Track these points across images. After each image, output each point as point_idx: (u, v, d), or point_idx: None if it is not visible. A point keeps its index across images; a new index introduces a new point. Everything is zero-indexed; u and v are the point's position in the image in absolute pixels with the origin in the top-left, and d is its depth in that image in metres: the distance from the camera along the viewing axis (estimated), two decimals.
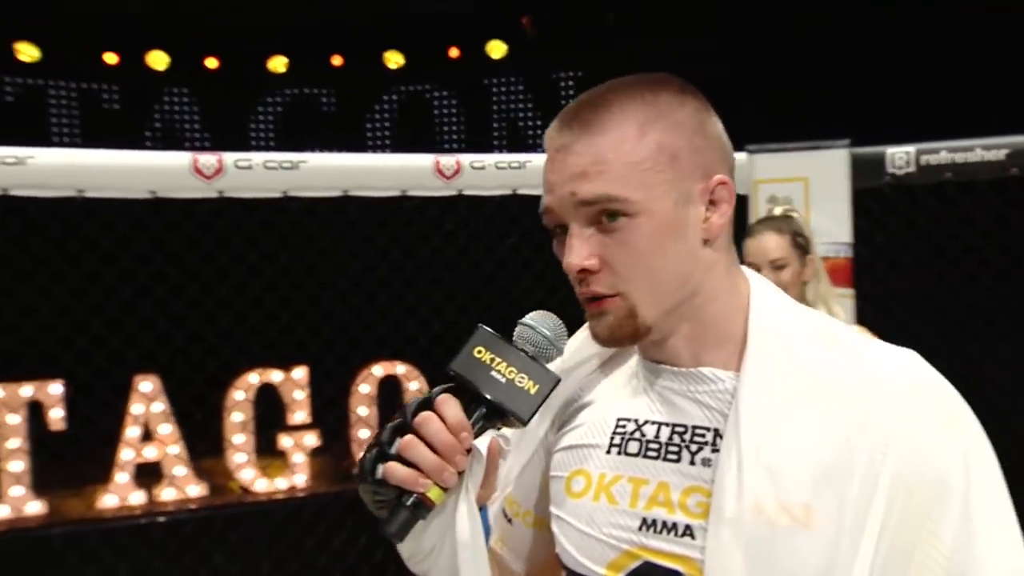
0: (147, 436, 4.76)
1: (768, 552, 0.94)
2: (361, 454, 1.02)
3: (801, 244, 2.56)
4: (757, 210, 2.96)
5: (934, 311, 3.19)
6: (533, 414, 1.02)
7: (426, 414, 0.99)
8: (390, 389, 5.01)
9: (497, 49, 8.17)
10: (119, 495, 4.72)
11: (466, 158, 2.80)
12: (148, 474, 4.80)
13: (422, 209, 3.61)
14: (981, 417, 1.01)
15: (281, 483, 4.88)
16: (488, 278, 4.94)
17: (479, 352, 1.02)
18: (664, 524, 1.00)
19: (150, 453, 4.76)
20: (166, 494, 4.76)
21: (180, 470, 4.75)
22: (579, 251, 1.00)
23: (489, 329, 1.04)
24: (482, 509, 1.08)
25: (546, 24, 8.04)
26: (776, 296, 1.08)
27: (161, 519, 4.63)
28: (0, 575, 4.16)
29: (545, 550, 1.18)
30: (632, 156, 0.98)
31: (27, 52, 7.80)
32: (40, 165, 2.59)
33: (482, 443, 1.03)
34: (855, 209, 2.48)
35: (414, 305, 4.91)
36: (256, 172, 2.65)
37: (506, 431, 1.07)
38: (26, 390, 4.69)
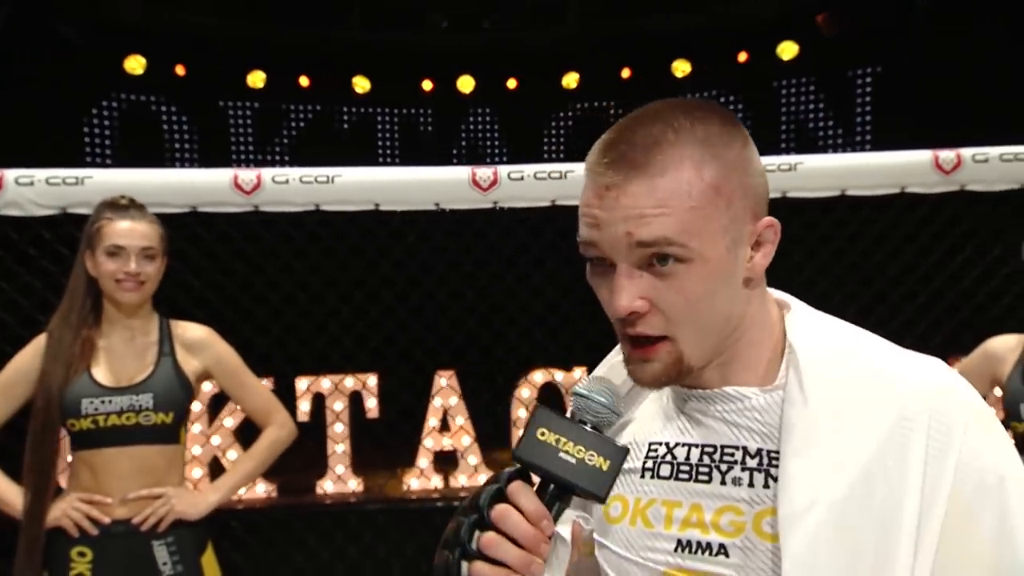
0: (445, 427, 5.07)
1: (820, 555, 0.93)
2: (441, 551, 0.97)
3: None
4: None
5: None
6: (609, 490, 0.96)
7: (503, 507, 0.94)
8: None
9: (788, 50, 7.82)
10: (421, 478, 5.07)
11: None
12: (446, 461, 5.12)
13: None
14: None
15: None
16: None
17: (543, 434, 0.96)
18: (699, 544, 1.00)
19: (447, 442, 5.07)
20: (460, 480, 5.05)
21: (472, 459, 5.02)
22: (629, 293, 0.96)
23: (547, 408, 0.99)
24: None
25: (843, 19, 7.57)
26: (811, 319, 1.06)
27: (456, 503, 4.90)
28: (325, 538, 4.58)
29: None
30: (693, 201, 0.93)
31: (361, 85, 8.56)
32: (345, 183, 2.85)
33: (562, 527, 0.99)
34: None
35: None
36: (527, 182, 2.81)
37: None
38: (348, 381, 5.15)
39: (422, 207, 3.03)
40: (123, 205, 2.43)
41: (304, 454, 2.61)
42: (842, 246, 4.04)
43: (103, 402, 2.35)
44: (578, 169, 3.00)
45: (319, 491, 5.00)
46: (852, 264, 4.09)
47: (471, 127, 8.76)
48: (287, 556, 4.50)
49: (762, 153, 1.05)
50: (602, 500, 0.97)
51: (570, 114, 8.57)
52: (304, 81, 8.50)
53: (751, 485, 0.99)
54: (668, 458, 1.05)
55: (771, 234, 1.00)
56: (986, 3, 6.26)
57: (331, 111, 8.84)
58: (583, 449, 0.96)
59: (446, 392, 5.05)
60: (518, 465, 0.98)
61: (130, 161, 2.97)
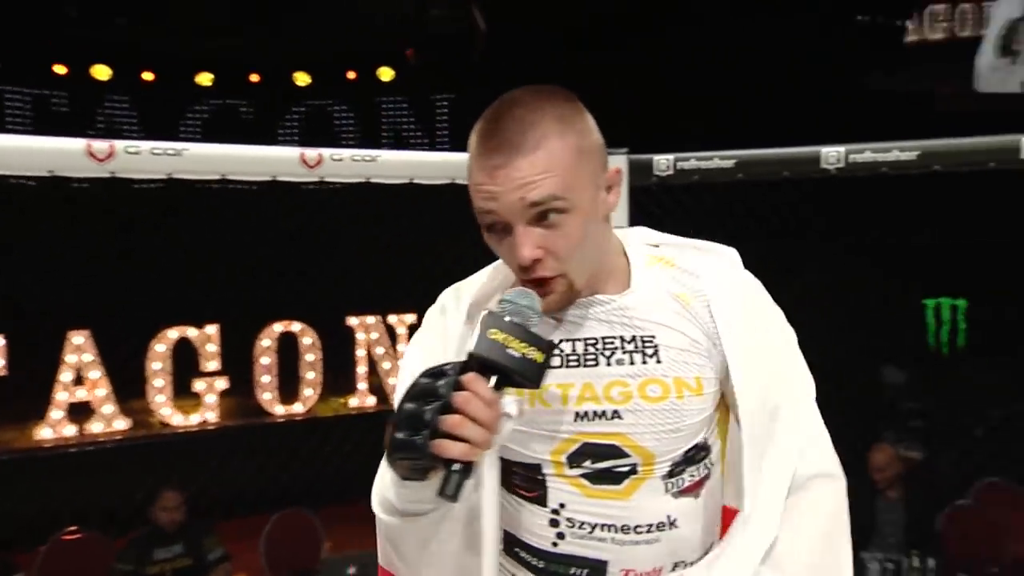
0: (79, 380, 4.46)
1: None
2: (397, 434, 0.91)
3: None
4: None
5: None
6: (543, 378, 0.96)
7: (466, 394, 0.91)
8: (287, 343, 4.88)
9: (386, 74, 7.98)
10: (54, 428, 4.41)
11: (327, 151, 2.72)
12: (82, 411, 4.51)
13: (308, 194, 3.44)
14: None
15: (195, 418, 4.67)
16: (374, 253, 4.83)
17: (493, 334, 0.94)
18: (595, 413, 1.04)
19: (82, 394, 4.46)
20: (96, 427, 4.48)
21: (108, 408, 4.48)
22: (528, 246, 0.98)
23: (493, 312, 0.97)
24: None
25: (428, 55, 7.90)
26: (639, 245, 1.14)
27: (90, 448, 4.36)
28: None
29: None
30: (563, 162, 0.97)
31: None
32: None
33: (508, 407, 0.97)
34: (631, 201, 2.52)
35: (307, 272, 4.75)
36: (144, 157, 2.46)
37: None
38: None
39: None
40: None
41: None
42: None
43: None
44: (192, 147, 2.72)
45: None
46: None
47: (107, 111, 7.70)
48: None
49: None
50: (537, 386, 0.96)
51: (205, 108, 7.92)
52: None
53: (632, 363, 1.04)
54: (555, 352, 1.04)
55: (617, 177, 1.06)
56: (533, 50, 6.86)
57: None
58: (525, 346, 0.94)
59: (80, 349, 4.43)
60: (462, 360, 0.94)
61: None
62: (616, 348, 1.04)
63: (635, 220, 2.78)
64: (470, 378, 0.92)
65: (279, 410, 4.88)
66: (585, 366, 1.05)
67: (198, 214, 4.62)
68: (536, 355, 0.94)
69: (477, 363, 0.94)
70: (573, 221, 0.98)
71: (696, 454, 1.07)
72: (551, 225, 0.97)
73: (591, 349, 1.05)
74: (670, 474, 1.05)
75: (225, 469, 4.06)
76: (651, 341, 1.04)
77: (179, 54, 7.47)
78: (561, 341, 1.06)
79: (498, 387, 0.94)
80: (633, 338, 1.04)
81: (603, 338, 1.05)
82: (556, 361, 1.05)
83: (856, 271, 4.72)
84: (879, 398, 5.55)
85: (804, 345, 1.15)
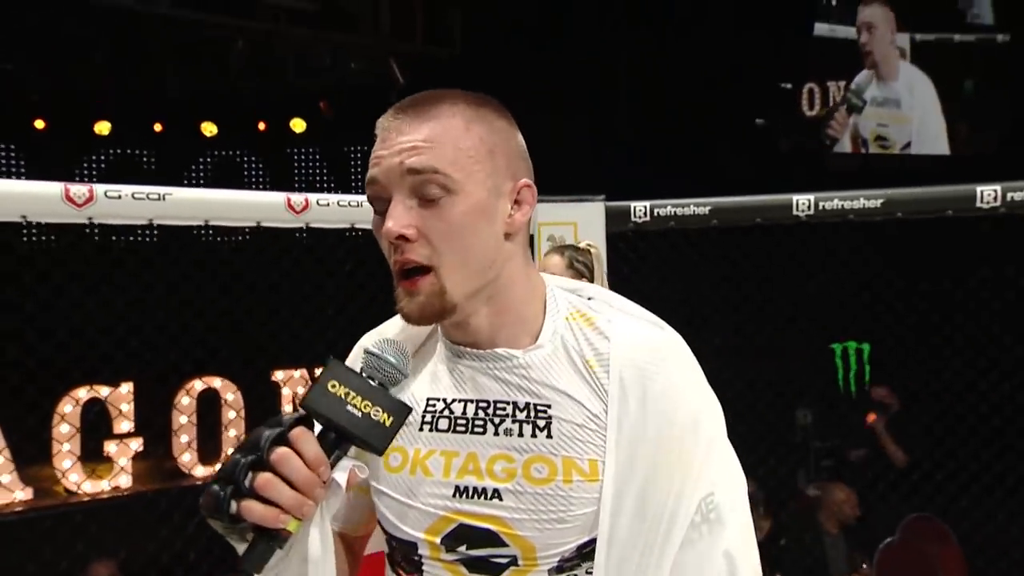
0: None
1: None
2: (211, 487, 0.79)
3: (579, 268, 2.33)
4: (540, 246, 2.94)
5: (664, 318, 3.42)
6: (389, 443, 0.85)
7: (283, 451, 0.79)
8: (208, 400, 4.60)
9: (299, 125, 7.86)
10: None
11: (313, 196, 2.60)
12: None
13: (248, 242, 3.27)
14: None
15: (106, 484, 4.29)
16: (299, 303, 4.66)
17: (333, 386, 0.82)
18: (475, 489, 0.90)
19: None
20: None
21: (5, 477, 4.05)
22: (400, 219, 0.87)
23: (339, 362, 0.85)
24: None
25: (340, 106, 7.87)
26: (564, 293, 1.00)
27: None
28: None
29: (360, 513, 1.04)
30: (458, 142, 0.88)
31: None
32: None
33: (339, 474, 0.84)
34: (609, 246, 2.56)
35: (230, 325, 4.51)
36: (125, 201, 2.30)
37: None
38: None
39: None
40: None
41: None
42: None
43: None
44: (176, 192, 2.56)
45: None
46: None
47: None
48: None
49: None
50: (380, 452, 0.85)
51: (103, 159, 7.49)
52: None
53: (521, 435, 0.90)
54: (446, 413, 0.94)
55: (528, 194, 0.94)
56: None
57: None
58: (369, 404, 0.83)
59: None
60: (302, 411, 0.82)
61: None
62: (507, 415, 0.91)
63: (614, 264, 2.84)
64: (297, 433, 0.81)
65: (200, 471, 4.56)
66: (473, 433, 0.92)
67: (108, 264, 4.34)
68: (383, 417, 0.83)
69: (311, 417, 0.83)
70: (457, 206, 0.87)
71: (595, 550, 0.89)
72: (430, 203, 0.87)
73: (481, 413, 0.92)
74: (559, 569, 0.90)
75: (151, 537, 3.73)
76: (545, 412, 0.90)
77: (74, 101, 7.08)
78: (453, 401, 0.94)
79: (334, 448, 0.83)
80: (527, 405, 0.91)
81: (495, 402, 0.92)
82: (444, 424, 0.93)
83: (771, 318, 4.97)
84: (793, 440, 5.80)
85: (725, 391, 0.97)
